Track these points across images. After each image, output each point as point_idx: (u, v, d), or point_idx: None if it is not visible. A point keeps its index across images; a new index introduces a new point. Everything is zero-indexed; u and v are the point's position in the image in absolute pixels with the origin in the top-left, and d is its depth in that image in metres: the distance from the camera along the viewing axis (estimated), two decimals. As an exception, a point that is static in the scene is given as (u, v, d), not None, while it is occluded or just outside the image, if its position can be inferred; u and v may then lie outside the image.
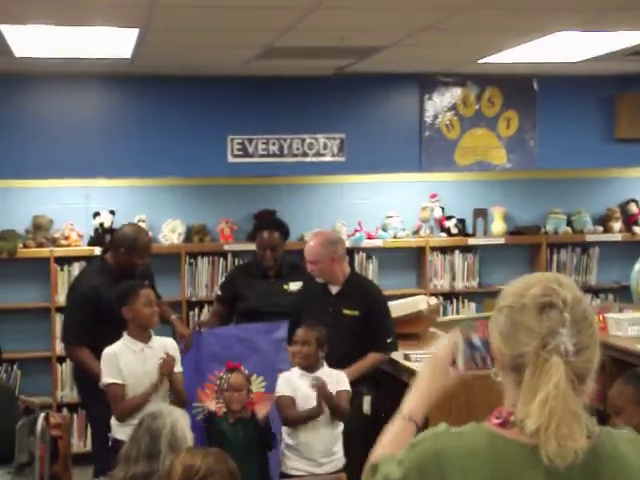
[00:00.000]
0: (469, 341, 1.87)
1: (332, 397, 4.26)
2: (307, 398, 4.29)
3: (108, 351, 4.30)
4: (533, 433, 1.52)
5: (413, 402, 1.89)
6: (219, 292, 5.68)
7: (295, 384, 4.33)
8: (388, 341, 4.81)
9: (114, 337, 4.40)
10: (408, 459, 1.62)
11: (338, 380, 4.39)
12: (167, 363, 4.30)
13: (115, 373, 4.27)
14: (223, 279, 6.09)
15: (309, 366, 4.35)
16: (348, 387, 4.42)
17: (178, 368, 4.44)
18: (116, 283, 4.67)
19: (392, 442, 1.84)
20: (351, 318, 4.78)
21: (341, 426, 4.37)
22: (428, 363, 1.94)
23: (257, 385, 4.61)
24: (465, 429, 1.63)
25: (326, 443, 4.29)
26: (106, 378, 4.28)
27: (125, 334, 4.36)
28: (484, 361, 1.85)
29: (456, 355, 1.88)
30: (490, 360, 1.82)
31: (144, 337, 4.36)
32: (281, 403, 4.34)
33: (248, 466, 4.08)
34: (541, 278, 1.64)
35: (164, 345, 4.43)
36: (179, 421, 3.18)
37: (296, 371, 4.39)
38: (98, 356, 4.43)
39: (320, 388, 4.23)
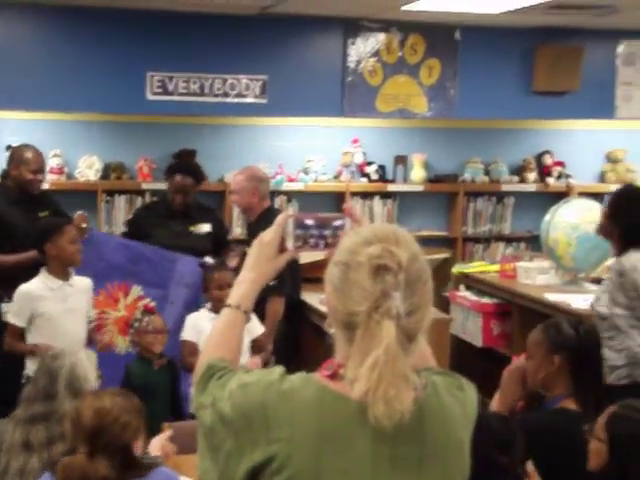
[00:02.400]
0: (300, 222, 1.84)
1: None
2: None
3: (23, 290, 4.23)
4: (362, 395, 1.52)
5: (242, 290, 1.85)
6: (125, 228, 5.71)
7: (201, 326, 4.30)
8: (270, 284, 4.66)
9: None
10: (237, 401, 1.60)
11: (252, 323, 4.36)
12: None
13: (21, 315, 4.23)
14: (130, 216, 6.06)
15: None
16: (262, 329, 4.46)
17: (91, 311, 4.46)
18: (16, 204, 4.82)
19: (224, 334, 1.82)
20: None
21: None
22: (254, 248, 1.88)
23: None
24: (296, 381, 1.61)
25: None
26: (11, 316, 4.27)
27: (43, 271, 4.29)
28: (316, 242, 1.83)
29: (285, 236, 1.85)
30: (324, 242, 1.82)
31: (64, 275, 4.30)
32: (185, 348, 4.36)
33: (165, 410, 4.15)
34: (380, 235, 1.60)
35: (83, 283, 4.41)
36: (80, 362, 3.17)
37: (205, 313, 4.40)
38: None
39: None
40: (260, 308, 4.66)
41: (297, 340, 5.35)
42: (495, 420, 2.53)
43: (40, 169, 5.02)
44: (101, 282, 4.86)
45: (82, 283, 4.41)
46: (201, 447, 1.68)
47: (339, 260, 1.60)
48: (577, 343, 3.05)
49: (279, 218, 1.88)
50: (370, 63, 6.66)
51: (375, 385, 1.50)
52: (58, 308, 4.24)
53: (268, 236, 1.87)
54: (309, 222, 1.84)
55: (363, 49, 6.63)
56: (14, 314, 4.24)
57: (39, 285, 4.26)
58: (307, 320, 5.26)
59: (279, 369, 1.65)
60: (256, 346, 4.45)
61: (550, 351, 3.03)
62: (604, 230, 4.09)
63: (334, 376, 1.59)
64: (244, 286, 1.86)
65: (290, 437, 1.54)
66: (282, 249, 1.87)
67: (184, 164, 5.58)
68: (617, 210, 3.98)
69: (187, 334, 4.38)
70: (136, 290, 5.03)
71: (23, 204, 4.87)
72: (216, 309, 4.32)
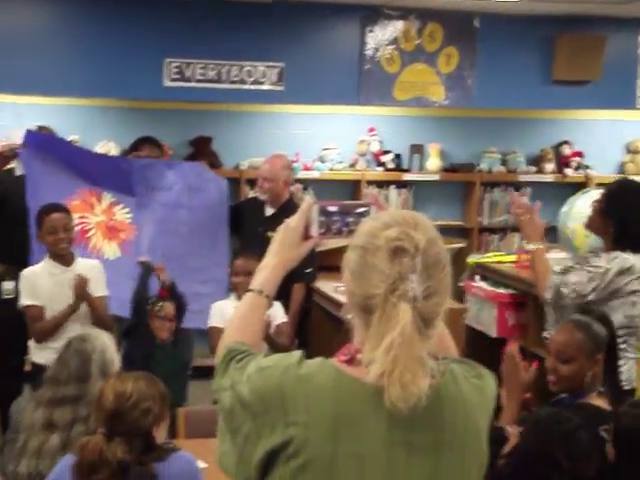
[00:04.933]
0: (324, 209, 1.86)
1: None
2: None
3: (27, 273, 4.25)
4: (377, 377, 1.52)
5: (265, 275, 1.86)
6: None
7: (228, 313, 4.24)
8: (306, 271, 4.78)
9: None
10: (255, 384, 1.61)
11: (276, 311, 4.39)
12: (77, 284, 4.17)
13: (33, 295, 4.21)
14: None
15: None
16: (285, 318, 4.46)
17: (101, 292, 4.36)
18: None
19: (245, 318, 1.84)
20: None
21: None
22: (279, 234, 1.89)
23: (122, 214, 5.04)
24: (313, 365, 1.61)
25: None
26: (24, 299, 4.24)
27: (46, 256, 4.30)
28: (340, 229, 1.85)
29: (309, 223, 1.86)
30: (347, 230, 1.83)
31: (64, 261, 4.27)
32: (212, 333, 4.36)
33: (175, 385, 4.06)
34: (398, 219, 1.60)
35: (88, 269, 4.34)
36: (107, 345, 3.16)
37: (232, 301, 4.39)
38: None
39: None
40: (283, 293, 4.63)
41: (307, 327, 5.33)
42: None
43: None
44: (70, 188, 4.89)
45: (85, 268, 4.33)
46: (221, 429, 1.69)
47: (357, 244, 1.61)
48: (609, 338, 3.03)
49: (304, 205, 1.89)
50: (388, 51, 6.61)
51: (390, 367, 1.51)
52: (57, 294, 4.21)
53: (293, 222, 1.88)
54: (333, 209, 1.85)
55: (381, 37, 6.58)
56: (27, 296, 4.22)
57: (42, 270, 4.27)
58: (319, 307, 5.24)
59: (297, 353, 1.66)
60: (278, 332, 4.42)
61: (594, 351, 2.98)
62: (594, 225, 3.91)
63: (351, 361, 1.59)
64: (267, 271, 1.87)
65: (306, 421, 1.55)
66: (306, 236, 1.88)
67: (147, 137, 5.58)
68: (612, 205, 3.78)
69: (213, 320, 4.39)
70: (107, 197, 5.09)
71: None
72: (240, 296, 4.28)
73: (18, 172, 4.81)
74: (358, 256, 1.59)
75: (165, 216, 5.18)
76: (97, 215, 5.04)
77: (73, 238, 4.32)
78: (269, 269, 1.87)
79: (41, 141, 4.86)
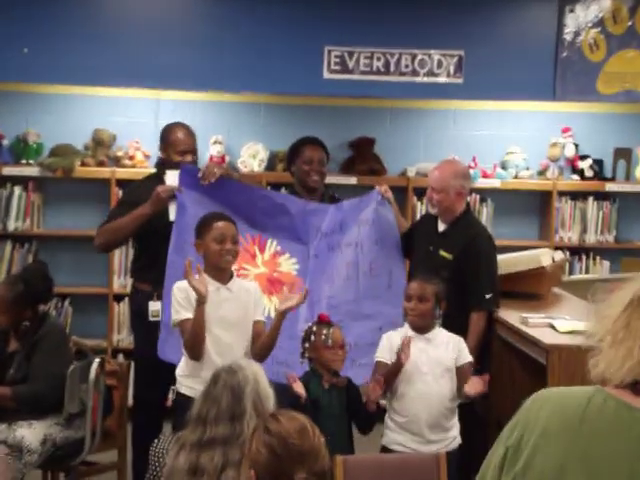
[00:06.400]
0: None
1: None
2: (413, 365, 4.00)
3: (180, 286, 3.92)
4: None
5: None
6: None
7: (397, 347, 4.09)
8: (486, 297, 4.48)
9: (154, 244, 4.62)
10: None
11: (459, 349, 4.13)
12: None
13: (190, 308, 3.89)
14: None
15: (424, 326, 4.09)
16: (470, 358, 4.13)
17: (259, 316, 4.05)
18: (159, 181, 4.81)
19: None
20: (444, 261, 4.57)
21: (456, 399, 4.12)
22: None
23: (289, 265, 4.84)
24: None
25: (436, 415, 3.99)
26: (180, 313, 3.91)
27: (201, 271, 3.99)
28: None
29: None
30: None
31: (221, 277, 3.98)
32: (377, 368, 4.14)
33: (339, 437, 3.87)
34: None
35: (246, 289, 4.03)
36: (261, 376, 2.99)
37: (406, 329, 4.13)
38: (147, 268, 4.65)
39: None
40: (458, 321, 4.36)
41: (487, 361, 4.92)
42: None
43: (189, 150, 4.80)
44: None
45: (245, 289, 4.08)
46: None
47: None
48: None
49: None
50: (591, 35, 6.13)
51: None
52: (210, 314, 3.92)
53: None
54: None
55: (583, 18, 6.11)
56: (184, 309, 3.92)
57: None
58: (500, 339, 4.80)
59: None
60: (460, 375, 4.10)
61: None
62: None
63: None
64: None
65: (541, 431, 1.63)
66: None
67: (310, 138, 5.20)
68: None
69: (381, 354, 4.14)
70: (272, 244, 4.90)
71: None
72: (413, 325, 4.10)
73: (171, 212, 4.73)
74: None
75: (331, 260, 4.94)
76: (258, 267, 4.87)
77: (238, 252, 4.10)
78: None
79: (197, 178, 4.71)
